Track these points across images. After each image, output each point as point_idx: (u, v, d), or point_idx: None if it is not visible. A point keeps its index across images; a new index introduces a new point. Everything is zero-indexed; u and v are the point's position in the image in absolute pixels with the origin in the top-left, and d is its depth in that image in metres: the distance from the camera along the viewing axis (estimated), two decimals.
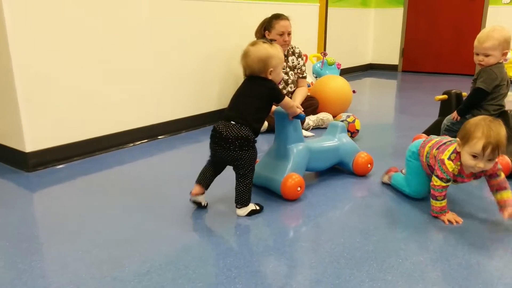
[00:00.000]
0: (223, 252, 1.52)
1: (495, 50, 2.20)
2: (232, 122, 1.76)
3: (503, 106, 2.29)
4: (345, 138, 2.24)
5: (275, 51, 1.82)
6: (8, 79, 2.24)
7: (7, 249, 1.56)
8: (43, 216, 1.86)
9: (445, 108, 2.54)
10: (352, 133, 2.85)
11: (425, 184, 1.88)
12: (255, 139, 1.80)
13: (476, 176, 1.70)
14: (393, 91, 5.34)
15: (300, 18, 4.19)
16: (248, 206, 1.81)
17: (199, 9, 3.16)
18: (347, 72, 6.15)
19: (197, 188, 1.84)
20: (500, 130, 1.55)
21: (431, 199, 1.73)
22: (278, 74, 1.85)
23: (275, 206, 1.90)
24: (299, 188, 1.94)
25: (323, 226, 1.71)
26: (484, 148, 1.54)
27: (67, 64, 2.42)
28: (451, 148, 1.68)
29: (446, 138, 1.81)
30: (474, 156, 1.57)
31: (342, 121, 2.83)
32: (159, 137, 3.01)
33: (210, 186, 1.88)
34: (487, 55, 2.22)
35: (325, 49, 5.53)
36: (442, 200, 1.71)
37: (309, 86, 3.65)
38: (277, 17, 3.20)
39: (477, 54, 2.25)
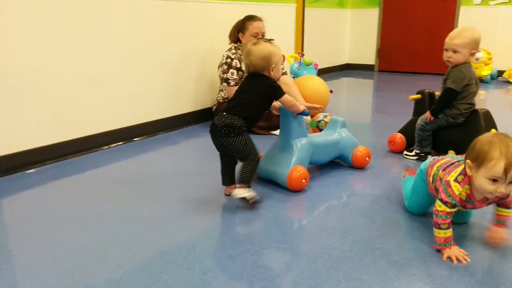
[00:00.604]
0: (199, 256, 1.50)
1: (464, 48, 2.24)
2: (224, 113, 1.88)
3: (473, 104, 2.33)
4: (345, 133, 2.34)
5: (276, 49, 1.94)
6: None
7: None
8: (13, 222, 1.80)
9: (419, 107, 2.58)
10: None
11: (423, 206, 1.74)
12: (245, 128, 1.87)
13: (489, 201, 1.48)
14: (370, 90, 5.40)
15: (277, 19, 4.20)
16: (245, 189, 1.82)
17: (174, 9, 3.12)
18: (324, 72, 6.19)
19: (227, 190, 1.98)
20: None
21: (434, 228, 1.48)
22: (278, 71, 1.96)
23: (246, 210, 1.89)
24: (304, 180, 2.04)
25: (304, 227, 1.71)
26: (506, 170, 1.30)
27: (37, 65, 2.36)
28: (459, 169, 1.46)
29: (456, 158, 1.59)
30: (494, 180, 1.34)
31: (319, 121, 2.84)
32: (135, 139, 2.96)
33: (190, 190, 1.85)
34: (455, 52, 2.26)
35: (302, 50, 5.55)
36: (446, 229, 1.46)
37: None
38: (250, 18, 3.18)
39: (446, 50, 2.30)
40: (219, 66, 3.25)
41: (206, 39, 3.43)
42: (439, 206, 1.46)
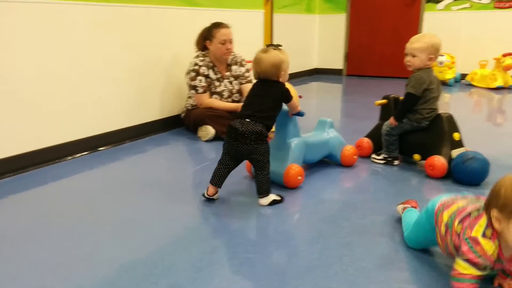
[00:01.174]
0: (166, 270, 1.46)
1: (422, 52, 2.29)
2: (247, 119, 1.93)
3: (435, 109, 2.37)
4: (333, 133, 2.46)
5: (285, 56, 2.02)
6: None
7: None
8: None
9: (384, 112, 2.61)
10: None
11: (424, 245, 1.53)
12: (267, 134, 1.96)
13: None
14: (339, 95, 5.47)
15: (245, 25, 4.20)
16: (269, 196, 1.96)
17: (140, 16, 3.06)
18: (293, 77, 6.23)
19: (211, 189, 2.00)
20: None
21: None
22: (286, 76, 2.06)
23: (214, 221, 1.86)
24: (299, 177, 2.13)
25: (267, 236, 1.69)
26: None
27: None
28: (483, 222, 1.20)
29: (470, 204, 1.30)
30: None
31: None
32: (101, 148, 2.88)
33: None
34: (414, 56, 2.31)
35: None
36: None
37: None
38: (217, 25, 3.15)
39: (406, 55, 2.35)
40: (186, 74, 3.21)
41: (173, 46, 3.39)
42: (463, 269, 1.20)
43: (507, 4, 5.56)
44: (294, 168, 2.13)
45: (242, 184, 2.23)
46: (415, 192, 2.12)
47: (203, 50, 3.23)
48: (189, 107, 3.26)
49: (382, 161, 2.51)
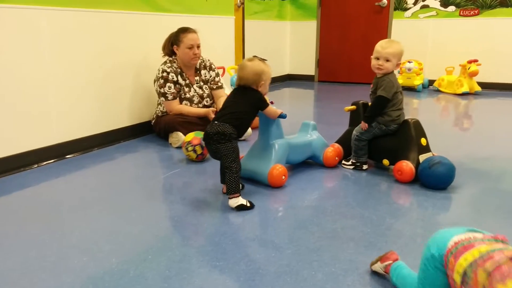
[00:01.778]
0: (133, 279, 1.43)
1: (395, 57, 2.35)
2: (215, 122, 2.03)
3: (402, 109, 2.43)
4: (316, 135, 2.56)
5: (267, 69, 2.12)
6: None
7: None
8: None
9: (354, 118, 2.65)
10: (196, 157, 2.66)
11: None
12: (235, 136, 2.03)
13: None
14: (310, 101, 5.52)
15: (216, 31, 4.19)
16: (238, 199, 1.99)
17: (107, 22, 3.02)
18: None
19: (224, 188, 2.10)
20: None
21: None
22: (266, 88, 2.14)
23: (184, 228, 1.84)
24: (283, 177, 2.22)
25: (237, 243, 1.68)
26: None
27: None
28: None
29: (496, 249, 1.01)
30: None
31: (186, 147, 2.65)
32: (67, 156, 2.81)
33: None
34: (387, 60, 2.35)
35: None
36: None
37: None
38: (184, 30, 3.12)
39: (377, 59, 2.38)
40: (154, 81, 3.17)
41: (142, 52, 3.34)
42: None
43: (472, 12, 5.75)
44: (278, 168, 2.20)
45: (211, 191, 2.21)
46: (384, 197, 2.15)
47: (169, 55, 3.21)
48: (159, 114, 3.22)
49: (351, 166, 2.54)
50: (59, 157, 2.76)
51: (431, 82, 5.96)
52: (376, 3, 6.24)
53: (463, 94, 5.35)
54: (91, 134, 2.99)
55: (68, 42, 2.76)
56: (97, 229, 1.80)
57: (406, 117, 2.43)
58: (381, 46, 2.38)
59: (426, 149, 2.36)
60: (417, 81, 5.67)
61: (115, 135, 3.17)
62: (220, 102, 3.27)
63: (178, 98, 3.15)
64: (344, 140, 2.64)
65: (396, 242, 1.67)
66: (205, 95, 3.28)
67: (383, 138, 2.46)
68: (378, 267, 1.43)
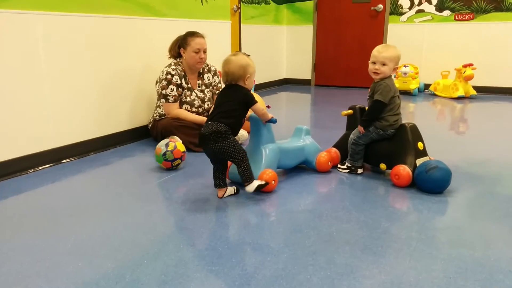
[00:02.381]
0: (128, 284, 1.43)
1: (391, 61, 2.37)
2: (209, 122, 2.08)
3: (400, 116, 2.44)
4: (309, 140, 2.55)
5: (252, 62, 2.16)
6: None
7: None
8: None
9: (351, 122, 2.65)
10: (181, 158, 2.61)
11: None
12: (230, 133, 2.07)
13: None
14: (307, 105, 5.53)
15: (212, 35, 4.18)
16: (253, 183, 2.08)
17: (103, 26, 3.02)
18: (263, 87, 6.27)
19: (220, 192, 2.15)
20: None
21: None
22: (251, 81, 2.17)
23: (179, 232, 1.84)
24: (273, 182, 2.21)
25: (232, 247, 1.68)
26: None
27: None
28: None
29: None
30: None
31: (164, 153, 2.54)
32: (64, 161, 2.81)
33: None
34: (384, 64, 2.37)
35: None
36: None
37: None
38: (192, 34, 3.15)
39: (374, 63, 2.40)
40: (157, 82, 3.19)
41: (142, 57, 3.35)
42: None
43: (467, 17, 5.78)
44: (268, 173, 2.19)
45: (207, 195, 2.21)
46: (380, 201, 2.15)
47: (175, 57, 3.22)
48: (156, 118, 3.22)
49: (346, 170, 2.54)
50: (55, 162, 2.76)
51: (427, 86, 5.98)
52: (372, 8, 6.27)
53: (459, 98, 5.38)
54: (87, 139, 2.98)
55: (64, 47, 2.76)
56: (92, 234, 1.79)
57: (403, 121, 2.44)
58: (377, 51, 2.40)
59: (423, 153, 2.37)
60: (413, 85, 5.69)
61: (111, 139, 3.17)
62: None
63: (178, 101, 3.16)
64: (341, 145, 2.64)
65: (392, 245, 1.67)
66: (206, 98, 3.29)
67: (380, 142, 2.47)
68: None
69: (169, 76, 3.10)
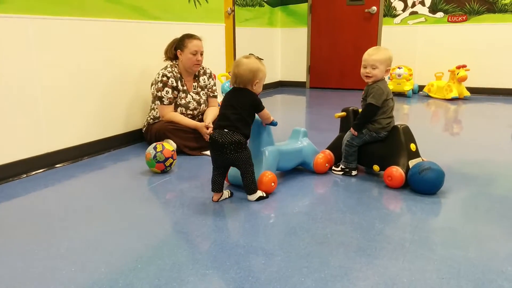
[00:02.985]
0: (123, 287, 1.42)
1: (382, 64, 2.38)
2: (225, 130, 2.05)
3: (392, 118, 2.44)
4: (306, 142, 2.56)
5: (263, 67, 2.15)
6: None
7: None
8: None
9: (344, 124, 2.66)
10: (172, 156, 2.59)
11: None
12: (246, 141, 2.09)
13: None
14: (302, 107, 5.54)
15: (206, 38, 4.19)
16: (256, 193, 2.13)
17: (95, 30, 3.01)
18: None
19: (215, 196, 2.15)
20: None
21: None
22: (260, 87, 2.16)
23: (174, 236, 1.83)
24: (273, 184, 2.23)
25: (227, 250, 1.68)
26: None
27: None
28: None
29: None
30: None
31: (154, 156, 2.53)
32: (57, 165, 2.80)
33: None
34: (374, 68, 2.38)
35: None
36: None
37: (219, 105, 3.64)
38: (190, 36, 3.16)
39: (365, 67, 2.42)
40: (152, 84, 3.19)
41: (137, 60, 3.35)
42: None
43: (460, 18, 5.82)
44: (268, 175, 2.21)
45: (202, 199, 2.21)
46: (374, 202, 2.15)
47: (172, 59, 3.22)
48: (151, 121, 3.22)
49: (340, 172, 2.55)
50: (48, 166, 2.75)
51: (421, 87, 6.01)
52: (366, 10, 6.30)
53: (453, 99, 5.40)
54: (81, 143, 2.97)
55: (57, 51, 2.75)
56: (86, 239, 1.79)
57: (396, 123, 2.45)
58: (368, 54, 2.41)
59: (416, 154, 2.37)
60: (407, 87, 5.71)
61: (105, 143, 3.16)
62: (209, 110, 3.30)
63: (173, 104, 3.15)
64: (335, 147, 2.65)
65: (385, 247, 1.68)
66: (201, 101, 3.29)
67: (373, 144, 2.47)
68: None
69: (164, 78, 3.10)
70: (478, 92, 5.76)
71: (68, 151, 2.88)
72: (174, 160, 2.62)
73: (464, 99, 5.48)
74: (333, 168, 2.59)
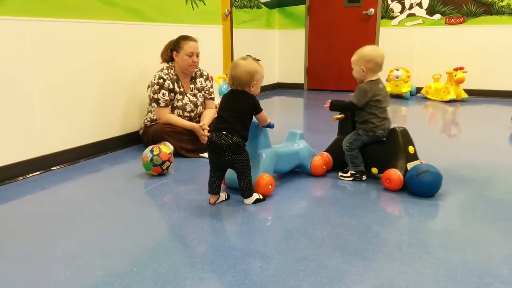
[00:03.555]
0: None
1: (355, 64, 2.47)
2: (223, 132, 2.05)
3: (386, 118, 2.45)
4: (303, 144, 2.56)
5: (261, 68, 2.14)
6: None
7: None
8: None
9: (343, 127, 2.65)
10: (169, 159, 2.59)
11: None
12: (245, 143, 2.09)
13: None
14: (300, 109, 5.54)
15: (204, 40, 4.19)
16: (252, 196, 2.13)
17: (92, 32, 3.01)
18: None
19: (212, 198, 2.14)
20: None
21: None
22: (258, 88, 2.16)
23: (170, 239, 1.83)
24: (270, 186, 2.22)
25: (223, 253, 1.67)
26: None
27: None
28: None
29: None
30: None
31: (151, 159, 2.53)
32: (53, 168, 2.79)
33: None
34: (352, 68, 2.49)
35: None
36: None
37: (216, 107, 3.64)
38: (186, 38, 3.15)
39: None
40: (149, 86, 3.18)
41: (134, 62, 3.34)
42: None
43: (457, 20, 5.83)
44: (265, 178, 2.21)
45: (198, 202, 2.20)
46: (371, 205, 2.15)
47: (168, 61, 3.22)
48: (147, 123, 3.21)
49: (350, 178, 2.49)
50: (44, 169, 2.74)
51: (418, 89, 6.01)
52: (364, 12, 6.31)
53: (450, 101, 5.41)
54: (78, 146, 2.96)
55: (53, 53, 2.74)
56: (82, 242, 1.78)
57: (394, 125, 2.45)
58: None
59: (414, 157, 2.37)
60: (405, 89, 5.72)
61: (102, 146, 3.15)
62: (206, 113, 3.29)
63: (170, 106, 3.15)
64: (333, 149, 2.64)
65: (382, 250, 1.67)
66: (199, 103, 3.29)
67: (371, 146, 2.47)
68: None
69: (161, 81, 3.10)
70: (475, 94, 5.76)
71: (64, 153, 2.87)
72: (171, 163, 2.61)
73: (462, 101, 5.49)
74: (341, 174, 2.53)
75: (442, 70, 5.70)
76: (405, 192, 2.26)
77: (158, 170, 2.56)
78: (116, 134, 3.27)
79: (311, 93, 6.61)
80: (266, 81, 6.68)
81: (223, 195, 2.18)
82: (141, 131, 3.28)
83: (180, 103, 3.18)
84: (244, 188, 2.11)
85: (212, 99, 3.40)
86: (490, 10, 5.62)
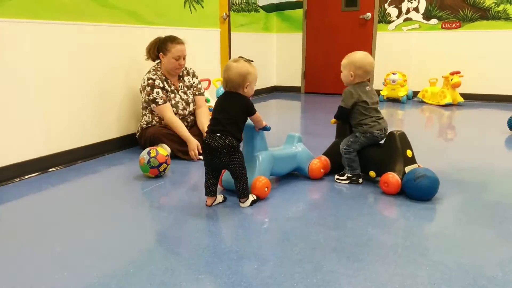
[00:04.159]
0: None
1: (345, 68, 2.53)
2: (217, 134, 2.05)
3: (380, 117, 2.47)
4: (301, 147, 2.56)
5: (253, 69, 2.14)
6: None
7: None
8: None
9: (340, 130, 2.66)
10: (166, 162, 2.59)
11: None
12: (239, 144, 2.10)
13: None
14: (297, 112, 5.55)
15: (201, 43, 4.21)
16: (249, 198, 2.14)
17: (90, 34, 3.02)
18: (253, 95, 6.27)
19: (209, 200, 2.15)
20: None
21: None
22: (252, 89, 2.16)
23: (167, 241, 1.83)
24: (266, 189, 2.23)
25: (219, 255, 1.68)
26: None
27: None
28: None
29: None
30: None
31: (148, 161, 2.53)
32: (50, 169, 2.79)
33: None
34: (341, 71, 2.55)
35: None
36: None
37: (211, 110, 3.64)
38: (173, 40, 3.14)
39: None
40: (141, 91, 3.18)
41: (131, 65, 3.35)
42: None
43: (454, 25, 5.87)
44: (261, 180, 2.21)
45: (195, 204, 2.21)
46: (367, 208, 2.16)
47: (153, 60, 3.22)
48: (144, 126, 3.21)
49: (347, 181, 2.50)
50: (41, 170, 2.74)
51: (415, 93, 6.04)
52: (361, 16, 6.34)
53: (447, 105, 5.43)
54: (75, 147, 2.97)
55: (52, 56, 2.75)
56: (78, 244, 1.78)
57: (392, 129, 2.45)
58: None
59: (412, 160, 2.38)
60: (402, 93, 5.74)
61: (99, 147, 3.16)
62: (202, 115, 3.29)
63: (168, 102, 3.14)
64: (331, 152, 2.64)
65: (378, 253, 1.68)
66: (190, 100, 3.30)
67: (369, 150, 2.48)
68: None
69: (151, 81, 3.09)
70: (471, 98, 5.79)
71: (61, 155, 2.87)
72: (168, 165, 2.62)
73: (458, 105, 5.51)
74: (337, 177, 2.54)
75: (438, 74, 5.73)
76: (403, 196, 2.27)
77: (155, 172, 2.57)
78: (113, 136, 3.27)
79: (308, 96, 6.63)
80: (263, 84, 6.71)
81: (219, 197, 2.19)
82: (137, 133, 3.28)
83: (173, 101, 3.18)
84: (240, 189, 2.12)
85: (202, 94, 3.40)
86: (486, 15, 5.66)
